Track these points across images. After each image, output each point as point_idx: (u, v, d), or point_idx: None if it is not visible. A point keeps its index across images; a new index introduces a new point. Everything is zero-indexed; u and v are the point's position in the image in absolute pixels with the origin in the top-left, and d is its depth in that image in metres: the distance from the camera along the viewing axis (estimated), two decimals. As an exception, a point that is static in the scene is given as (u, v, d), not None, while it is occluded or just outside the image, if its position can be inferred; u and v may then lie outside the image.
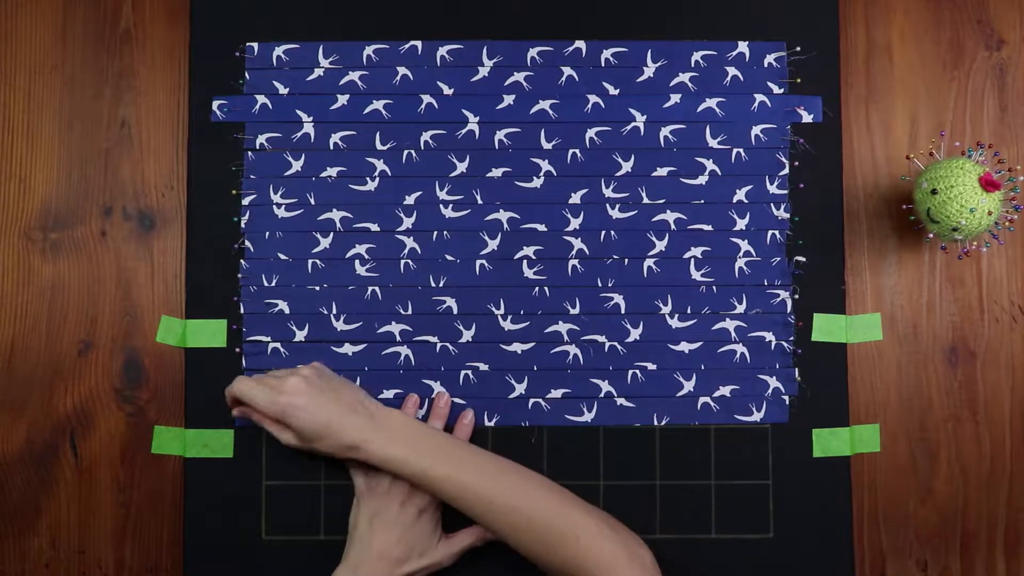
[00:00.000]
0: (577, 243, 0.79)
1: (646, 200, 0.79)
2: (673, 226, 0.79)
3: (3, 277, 0.79)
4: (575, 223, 0.79)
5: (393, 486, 0.72)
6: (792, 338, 0.78)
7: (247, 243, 0.79)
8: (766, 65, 0.80)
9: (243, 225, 0.79)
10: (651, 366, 0.78)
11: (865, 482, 0.78)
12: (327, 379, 0.73)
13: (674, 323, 0.78)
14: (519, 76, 0.80)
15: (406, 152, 0.79)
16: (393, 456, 0.70)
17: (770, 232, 0.79)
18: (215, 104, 0.79)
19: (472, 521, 0.73)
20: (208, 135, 0.79)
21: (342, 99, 0.79)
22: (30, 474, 0.78)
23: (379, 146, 0.79)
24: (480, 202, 0.79)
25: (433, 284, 0.78)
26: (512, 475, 0.71)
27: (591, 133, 0.79)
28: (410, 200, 0.79)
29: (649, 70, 0.80)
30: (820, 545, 0.77)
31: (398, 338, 0.78)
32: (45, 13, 0.80)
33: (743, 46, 0.80)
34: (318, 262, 0.79)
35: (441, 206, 0.79)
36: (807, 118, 0.79)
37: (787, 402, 0.78)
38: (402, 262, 0.79)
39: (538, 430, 0.78)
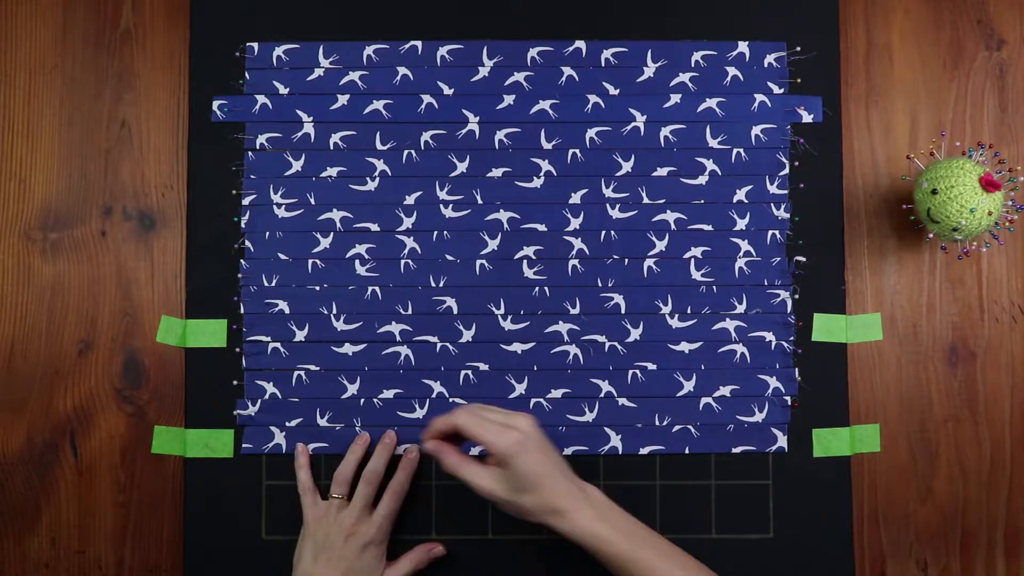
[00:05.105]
0: (577, 243, 0.79)
1: (646, 200, 0.79)
2: (673, 226, 0.79)
3: (3, 277, 0.79)
4: (575, 223, 0.79)
5: (338, 519, 0.72)
6: (792, 338, 0.78)
7: (247, 243, 0.79)
8: (766, 65, 0.80)
9: (243, 225, 0.79)
10: (651, 366, 0.78)
11: (865, 482, 0.78)
12: (543, 437, 0.68)
13: (674, 323, 0.78)
14: (519, 76, 0.80)
15: (406, 152, 0.79)
16: (598, 533, 0.66)
17: (770, 232, 0.79)
18: (215, 104, 0.79)
19: (414, 543, 0.75)
20: (208, 135, 0.79)
21: (342, 99, 0.79)
22: (30, 474, 0.78)
23: (379, 146, 0.79)
24: (480, 202, 0.79)
25: (433, 284, 0.78)
26: (692, 567, 0.68)
27: (591, 133, 0.79)
28: (410, 200, 0.79)
29: (649, 70, 0.80)
30: (820, 545, 0.77)
31: (398, 338, 0.78)
32: (45, 13, 0.80)
33: (743, 46, 0.80)
34: (318, 262, 0.79)
35: (441, 206, 0.79)
36: (807, 118, 0.79)
37: (787, 402, 0.78)
38: (402, 262, 0.79)
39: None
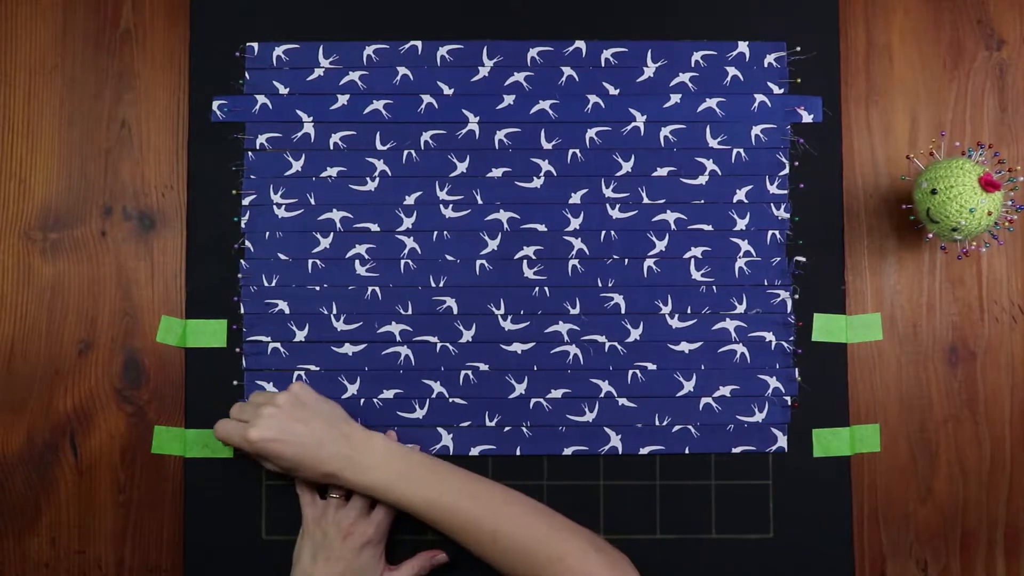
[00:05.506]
0: (577, 243, 0.79)
1: (646, 200, 0.79)
2: (673, 226, 0.79)
3: (3, 277, 0.79)
4: (575, 223, 0.79)
5: (336, 518, 0.72)
6: (792, 338, 0.78)
7: (247, 243, 0.79)
8: (766, 65, 0.80)
9: (243, 225, 0.79)
10: (651, 366, 0.78)
11: (865, 482, 0.78)
12: (303, 406, 0.71)
13: (674, 323, 0.78)
14: (519, 76, 0.80)
15: (406, 152, 0.79)
16: (371, 483, 0.70)
17: (770, 232, 0.79)
18: (215, 104, 0.79)
19: (414, 551, 0.75)
20: (208, 135, 0.79)
21: (342, 99, 0.79)
22: (30, 474, 0.78)
23: (379, 146, 0.79)
24: (480, 202, 0.79)
25: (433, 284, 0.78)
26: (496, 496, 0.71)
27: (591, 133, 0.79)
28: (410, 200, 0.79)
29: (649, 70, 0.80)
30: (820, 545, 0.77)
31: (398, 338, 0.78)
32: (45, 13, 0.80)
33: (743, 46, 0.80)
34: (318, 262, 0.79)
35: (441, 206, 0.79)
36: (807, 118, 0.79)
37: (787, 402, 0.78)
38: (402, 262, 0.79)
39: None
